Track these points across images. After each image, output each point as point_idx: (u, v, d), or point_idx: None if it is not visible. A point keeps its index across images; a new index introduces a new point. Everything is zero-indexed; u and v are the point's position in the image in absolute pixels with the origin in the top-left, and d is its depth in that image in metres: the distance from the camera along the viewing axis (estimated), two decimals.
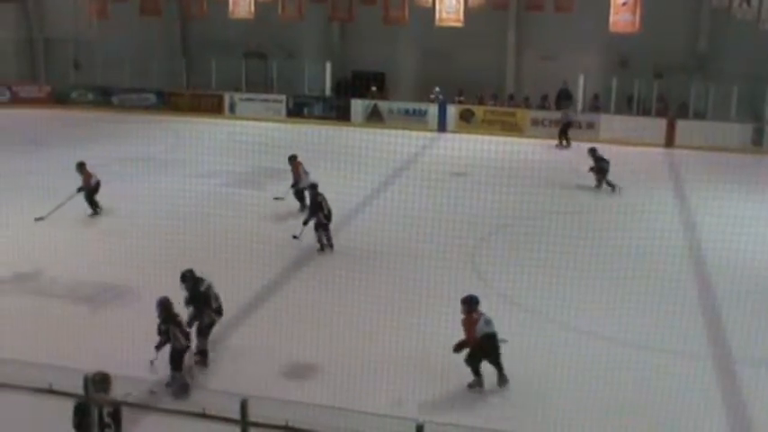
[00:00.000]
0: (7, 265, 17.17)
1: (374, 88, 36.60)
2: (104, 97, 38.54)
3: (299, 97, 37.02)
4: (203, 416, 7.62)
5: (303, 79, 37.39)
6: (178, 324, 12.08)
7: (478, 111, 34.76)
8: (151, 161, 21.61)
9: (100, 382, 9.03)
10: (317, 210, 18.40)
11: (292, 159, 21.80)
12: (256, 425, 7.57)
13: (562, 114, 33.26)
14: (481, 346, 12.24)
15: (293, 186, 21.55)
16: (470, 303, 12.41)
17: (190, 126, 33.32)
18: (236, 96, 37.33)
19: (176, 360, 12.00)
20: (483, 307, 12.52)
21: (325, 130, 30.99)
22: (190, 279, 12.92)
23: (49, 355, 11.80)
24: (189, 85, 38.95)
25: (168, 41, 39.95)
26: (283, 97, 36.94)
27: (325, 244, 18.57)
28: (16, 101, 38.53)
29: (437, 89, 34.92)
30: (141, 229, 19.21)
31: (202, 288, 12.91)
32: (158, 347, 12.16)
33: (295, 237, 18.78)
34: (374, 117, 35.57)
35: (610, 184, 25.12)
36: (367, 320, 14.30)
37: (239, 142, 26.05)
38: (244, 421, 7.51)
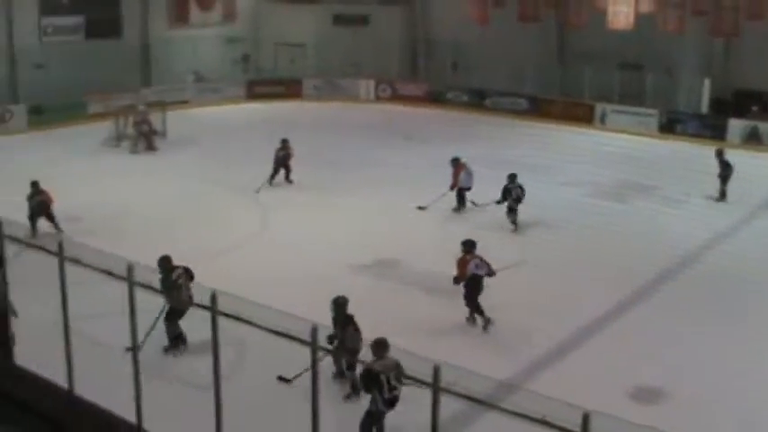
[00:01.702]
0: (370, 250, 18.26)
1: (755, 108, 34.47)
2: (478, 99, 39.59)
3: (672, 113, 35.76)
4: (543, 422, 7.62)
5: (678, 94, 36.12)
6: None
7: None
8: (517, 165, 21.95)
9: (379, 346, 10.07)
10: (506, 196, 20.27)
11: (456, 161, 21.88)
12: None
13: None
14: (468, 284, 14.53)
15: (452, 188, 21.69)
16: (468, 245, 14.82)
17: (558, 134, 33.39)
18: (608, 108, 36.83)
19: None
20: None
21: (698, 148, 29.76)
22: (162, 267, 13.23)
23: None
24: (562, 92, 39.03)
25: (545, 48, 40.24)
26: (656, 111, 35.87)
27: (515, 223, 20.33)
28: (396, 97, 40.71)
29: None
30: (502, 230, 19.64)
31: (173, 276, 13.17)
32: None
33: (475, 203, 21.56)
34: (752, 139, 33.47)
35: (723, 193, 22.61)
36: (719, 347, 13.70)
37: (607, 153, 25.84)
38: None
